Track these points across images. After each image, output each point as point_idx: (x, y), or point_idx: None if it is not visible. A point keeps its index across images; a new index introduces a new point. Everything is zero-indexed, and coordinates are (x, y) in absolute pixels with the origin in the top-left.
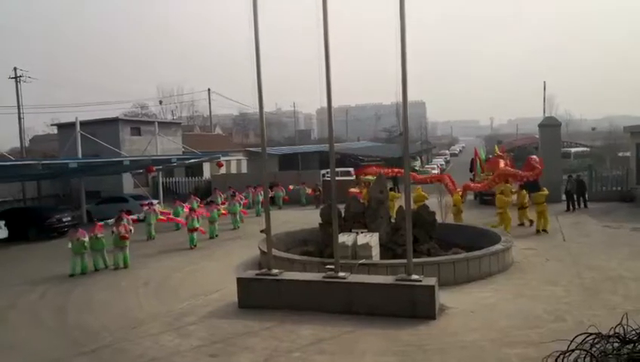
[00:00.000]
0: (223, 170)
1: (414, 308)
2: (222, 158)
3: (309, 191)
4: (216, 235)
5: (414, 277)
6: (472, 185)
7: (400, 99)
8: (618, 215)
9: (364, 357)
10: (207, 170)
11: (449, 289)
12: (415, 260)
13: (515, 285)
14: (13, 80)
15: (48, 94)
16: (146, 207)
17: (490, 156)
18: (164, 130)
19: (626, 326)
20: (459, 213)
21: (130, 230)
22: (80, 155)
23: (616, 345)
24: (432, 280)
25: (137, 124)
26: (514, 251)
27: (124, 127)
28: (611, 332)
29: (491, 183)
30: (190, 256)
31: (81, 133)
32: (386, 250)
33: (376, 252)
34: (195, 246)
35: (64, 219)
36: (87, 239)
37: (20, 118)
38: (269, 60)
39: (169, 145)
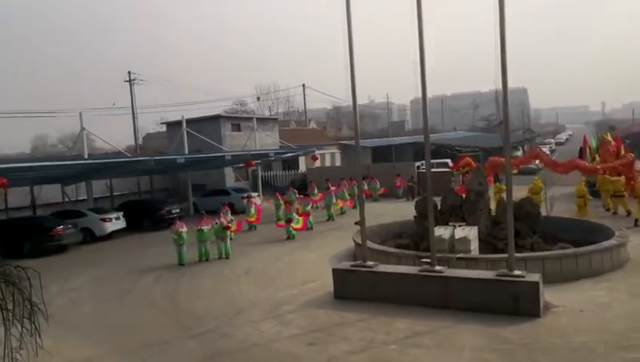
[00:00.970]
0: (317, 164)
1: (517, 304)
2: (316, 152)
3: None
4: (311, 228)
5: (516, 272)
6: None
7: (499, 86)
8: None
9: (462, 353)
10: (302, 164)
11: (555, 286)
12: (517, 255)
13: (631, 284)
14: (127, 83)
15: (157, 95)
16: (245, 200)
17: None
18: (262, 126)
19: None
20: (583, 205)
21: (231, 220)
22: (186, 151)
23: None
24: (535, 276)
25: (237, 121)
26: (630, 247)
27: (225, 124)
28: None
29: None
30: (288, 247)
31: (186, 131)
32: (486, 244)
33: (474, 246)
34: (293, 237)
35: (173, 211)
36: (185, 230)
37: (133, 118)
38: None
39: (267, 140)
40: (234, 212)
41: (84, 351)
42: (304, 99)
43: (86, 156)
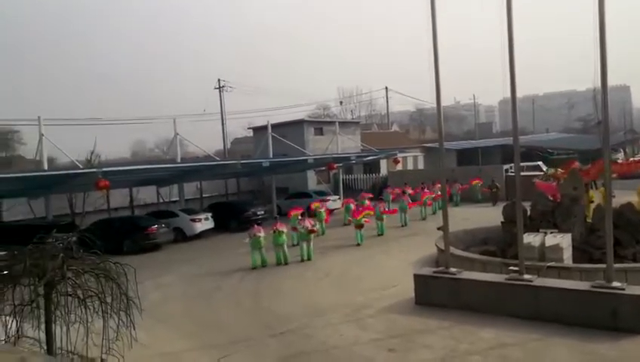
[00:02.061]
0: (399, 167)
1: (615, 319)
2: (398, 155)
3: (484, 188)
4: (381, 233)
5: (616, 284)
6: None
7: (598, 83)
8: None
9: None
10: (384, 167)
11: None
12: (616, 265)
13: None
14: (217, 90)
15: (245, 101)
16: (319, 204)
17: None
18: (344, 130)
19: None
20: None
21: (315, 224)
22: (271, 155)
23: None
24: (638, 289)
25: (320, 125)
26: None
27: (308, 128)
28: None
29: None
30: (368, 251)
31: (271, 135)
32: (580, 253)
33: (567, 254)
34: (360, 243)
35: (258, 213)
36: (262, 235)
37: (222, 123)
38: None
39: (348, 144)
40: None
41: (175, 344)
42: (387, 101)
43: (179, 160)
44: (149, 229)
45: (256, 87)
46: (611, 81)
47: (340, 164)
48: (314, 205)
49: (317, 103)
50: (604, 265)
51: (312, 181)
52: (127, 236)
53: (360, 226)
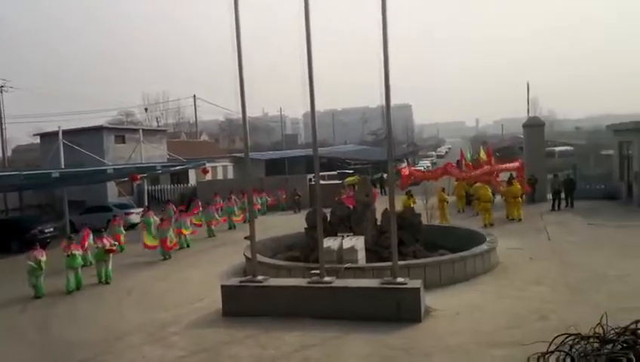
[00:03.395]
0: (208, 177)
1: (400, 311)
2: (207, 165)
3: (283, 196)
4: (188, 245)
5: (400, 279)
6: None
7: (384, 102)
8: (602, 213)
9: None
10: (192, 177)
11: (435, 291)
12: (400, 263)
13: (500, 285)
14: None
15: (34, 104)
16: (120, 217)
17: (476, 156)
18: (149, 138)
19: (605, 326)
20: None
21: (114, 243)
22: (63, 165)
23: (595, 345)
24: (417, 283)
25: (122, 132)
26: (499, 251)
27: (109, 136)
28: (591, 332)
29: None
30: (174, 265)
31: (64, 143)
32: (372, 253)
33: (362, 255)
34: (169, 258)
35: (46, 231)
36: (44, 259)
37: (1, 128)
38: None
39: (154, 153)
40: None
41: None
42: (195, 110)
43: None
44: None
45: (46, 89)
46: (396, 100)
47: (145, 175)
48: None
49: (119, 109)
50: (391, 263)
51: (113, 193)
52: None
53: (165, 241)
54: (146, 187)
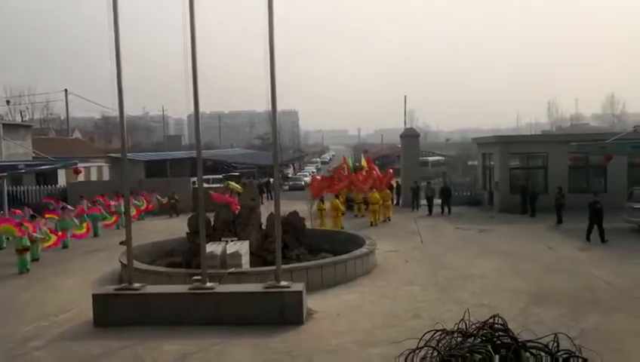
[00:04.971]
0: (81, 178)
1: (283, 314)
2: (80, 165)
3: (163, 200)
4: (37, 258)
5: (283, 283)
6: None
7: (270, 107)
8: (468, 218)
9: None
10: (62, 178)
11: (317, 293)
12: (284, 266)
13: (377, 286)
14: None
15: None
16: None
17: (357, 164)
18: (11, 134)
19: (468, 321)
20: (338, 216)
21: None
22: None
23: (459, 339)
24: (299, 286)
25: None
26: (377, 254)
27: None
28: (455, 328)
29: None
30: (41, 273)
31: None
32: (257, 257)
33: (246, 260)
34: (27, 270)
35: None
36: None
37: None
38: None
39: (17, 150)
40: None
41: None
42: (66, 105)
43: None
44: None
45: None
46: (283, 106)
47: (5, 173)
48: None
49: None
50: (274, 267)
51: None
52: None
53: (25, 250)
54: (5, 187)
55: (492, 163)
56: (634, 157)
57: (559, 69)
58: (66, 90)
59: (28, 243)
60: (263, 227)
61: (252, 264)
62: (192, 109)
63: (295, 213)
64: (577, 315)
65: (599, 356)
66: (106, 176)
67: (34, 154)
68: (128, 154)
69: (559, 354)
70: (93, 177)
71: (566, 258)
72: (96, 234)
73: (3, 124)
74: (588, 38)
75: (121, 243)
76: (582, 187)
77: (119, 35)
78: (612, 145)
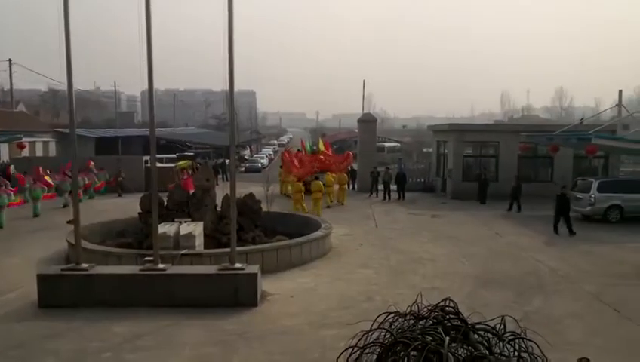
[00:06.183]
0: (25, 153)
1: (237, 296)
2: (25, 139)
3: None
4: None
5: (237, 265)
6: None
7: (227, 87)
8: (421, 204)
9: (184, 350)
10: (5, 152)
11: (272, 276)
12: (239, 249)
13: (332, 269)
14: None
15: None
16: None
17: (315, 148)
18: None
19: (419, 304)
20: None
21: None
22: None
23: (411, 321)
24: (254, 268)
25: None
26: (332, 237)
27: None
28: (408, 311)
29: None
30: None
31: None
32: (211, 239)
33: (200, 241)
34: None
35: None
36: None
37: None
38: (84, 33)
39: None
40: None
41: None
42: (10, 76)
43: None
44: None
45: None
46: (240, 86)
47: None
48: None
49: None
50: (229, 249)
51: None
52: None
53: None
54: None
55: (446, 150)
56: (579, 149)
57: (512, 61)
58: (9, 60)
59: None
60: (218, 208)
61: (206, 246)
62: (145, 85)
63: (251, 195)
64: (522, 298)
65: (542, 337)
66: (52, 152)
67: None
68: (78, 130)
69: (506, 335)
70: (39, 153)
71: (512, 244)
72: (36, 215)
73: None
74: (540, 36)
75: (69, 222)
76: (529, 176)
77: (68, 4)
78: (559, 136)
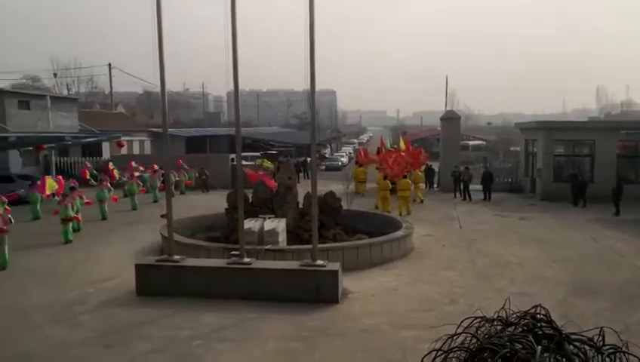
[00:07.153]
0: (124, 151)
1: (318, 293)
2: (123, 138)
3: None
4: (78, 229)
5: (319, 262)
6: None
7: (309, 87)
8: (508, 205)
9: (267, 343)
10: (106, 151)
11: (353, 274)
12: (320, 246)
13: (414, 270)
14: None
15: None
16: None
17: (395, 146)
18: (58, 106)
19: (508, 310)
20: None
21: (10, 220)
22: None
23: (499, 327)
24: (335, 265)
25: (26, 97)
26: (414, 237)
27: (10, 100)
28: (495, 316)
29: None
30: (85, 241)
31: None
32: (293, 235)
33: (282, 238)
34: (70, 241)
35: None
36: None
37: None
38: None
39: (63, 122)
40: (20, 202)
41: None
42: (110, 80)
43: None
44: None
45: None
46: (321, 85)
47: (52, 145)
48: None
49: (24, 73)
50: (311, 246)
51: (17, 163)
52: None
53: (69, 220)
54: (53, 158)
55: (535, 149)
56: None
57: (610, 55)
58: (109, 65)
59: (72, 213)
60: (300, 206)
61: (289, 242)
62: (231, 86)
63: (332, 193)
64: (621, 308)
65: None
66: (147, 151)
67: (80, 127)
68: (170, 130)
69: (605, 348)
70: (136, 151)
71: (609, 248)
72: (134, 208)
73: (50, 97)
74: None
75: (162, 216)
76: (630, 177)
77: (161, 10)
78: None
